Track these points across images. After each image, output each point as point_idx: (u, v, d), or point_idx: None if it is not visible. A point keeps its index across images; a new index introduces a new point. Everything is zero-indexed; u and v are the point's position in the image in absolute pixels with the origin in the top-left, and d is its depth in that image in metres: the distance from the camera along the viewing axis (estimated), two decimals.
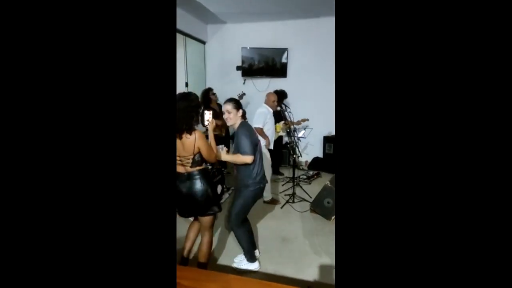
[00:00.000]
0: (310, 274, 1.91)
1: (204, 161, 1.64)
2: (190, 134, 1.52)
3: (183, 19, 4.04)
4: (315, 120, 4.27)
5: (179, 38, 4.22)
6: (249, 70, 4.82)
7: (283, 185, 3.73)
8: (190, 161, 1.57)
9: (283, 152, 4.47)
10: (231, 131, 4.29)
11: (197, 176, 1.60)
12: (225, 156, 1.77)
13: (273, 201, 3.14)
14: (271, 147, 3.11)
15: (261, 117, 3.00)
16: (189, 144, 1.52)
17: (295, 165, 3.42)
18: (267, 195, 3.13)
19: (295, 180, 3.36)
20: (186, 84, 4.60)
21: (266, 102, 3.11)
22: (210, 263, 1.85)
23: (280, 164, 4.39)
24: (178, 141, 1.52)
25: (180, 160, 1.59)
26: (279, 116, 3.66)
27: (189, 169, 1.60)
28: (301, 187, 3.51)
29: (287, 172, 4.12)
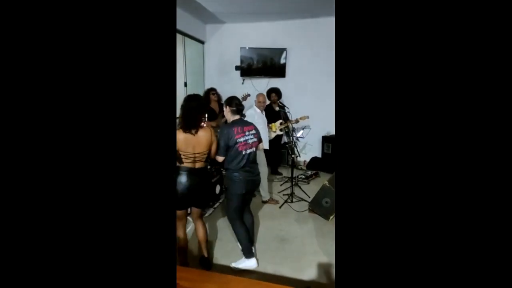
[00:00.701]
0: (309, 274, 1.92)
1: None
2: (203, 130, 1.70)
3: (182, 19, 4.04)
4: (314, 120, 4.27)
5: (178, 37, 4.22)
6: (248, 70, 4.82)
7: (281, 185, 3.73)
8: (205, 156, 1.74)
9: (282, 152, 4.48)
10: None
11: (206, 172, 1.78)
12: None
13: (272, 201, 3.14)
14: (266, 146, 3.12)
15: (249, 119, 3.03)
16: (206, 140, 1.72)
17: (294, 165, 3.42)
18: (265, 195, 3.14)
19: (294, 180, 3.37)
20: (185, 84, 4.59)
21: (256, 104, 3.17)
22: (214, 265, 1.88)
23: (279, 164, 4.40)
24: (192, 138, 1.67)
25: (194, 157, 1.71)
26: (277, 115, 3.67)
27: (199, 164, 1.74)
28: (299, 187, 3.52)
29: (285, 172, 4.13)
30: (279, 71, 4.75)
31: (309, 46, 4.59)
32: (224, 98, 4.19)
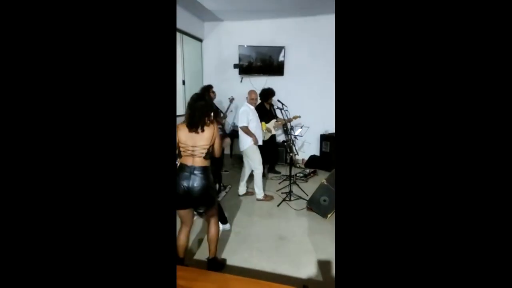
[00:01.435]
0: (307, 272, 1.93)
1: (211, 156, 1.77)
2: (208, 127, 1.70)
3: (180, 17, 4.01)
4: (312, 118, 4.28)
5: (176, 35, 4.20)
6: (246, 68, 4.81)
7: (279, 183, 3.74)
8: (205, 151, 1.70)
9: (280, 150, 4.49)
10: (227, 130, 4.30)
11: (204, 172, 1.70)
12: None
13: (266, 198, 3.18)
14: (260, 143, 3.15)
15: (243, 116, 3.07)
16: (209, 134, 1.70)
17: (292, 163, 3.43)
18: (259, 192, 3.17)
19: (292, 178, 3.37)
20: (183, 82, 4.58)
21: (248, 101, 3.18)
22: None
23: (277, 162, 4.41)
24: (195, 135, 1.68)
25: (193, 151, 1.68)
26: (270, 114, 3.68)
27: (198, 161, 1.69)
28: (297, 185, 3.53)
29: (283, 170, 4.14)
30: (277, 69, 4.74)
31: (308, 44, 4.58)
32: (220, 96, 4.21)
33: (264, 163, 3.24)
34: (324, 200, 2.72)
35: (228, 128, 4.71)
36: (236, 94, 4.32)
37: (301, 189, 3.38)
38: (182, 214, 1.78)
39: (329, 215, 2.70)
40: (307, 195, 3.12)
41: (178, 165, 1.76)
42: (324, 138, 4.51)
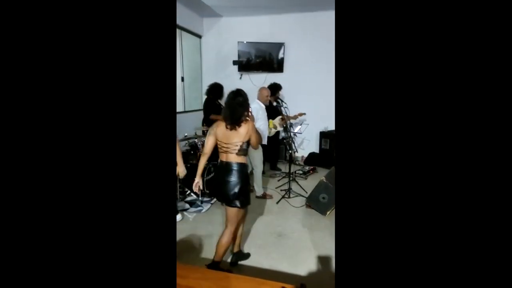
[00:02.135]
0: (306, 269, 1.92)
1: (246, 153, 1.78)
2: (245, 123, 1.70)
3: (179, 12, 3.98)
4: (312, 115, 4.26)
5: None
6: (245, 64, 4.79)
7: (279, 180, 3.74)
8: (238, 147, 1.69)
9: (280, 148, 4.48)
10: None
11: (237, 168, 1.71)
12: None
13: (265, 196, 3.16)
14: (265, 142, 3.11)
15: (254, 112, 2.99)
16: (244, 131, 1.70)
17: (291, 161, 3.42)
18: (259, 190, 3.14)
19: (291, 176, 3.36)
20: (182, 79, 4.56)
21: (259, 98, 3.10)
22: (211, 260, 1.82)
23: (277, 160, 4.40)
24: (228, 130, 1.69)
25: (227, 147, 1.71)
26: (275, 111, 3.64)
27: (232, 157, 1.71)
28: (297, 182, 3.52)
29: (283, 167, 4.13)
30: (277, 66, 4.72)
31: (307, 40, 4.56)
32: (222, 94, 4.18)
33: (265, 160, 3.22)
34: (323, 198, 2.71)
35: None
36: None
37: (300, 187, 3.38)
38: (225, 210, 1.81)
39: (328, 212, 2.69)
40: (306, 193, 3.11)
41: (205, 157, 1.82)
42: (323, 135, 4.49)
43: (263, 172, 3.30)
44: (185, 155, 3.23)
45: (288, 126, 3.38)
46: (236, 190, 1.70)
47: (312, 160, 4.49)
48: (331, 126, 4.51)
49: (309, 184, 3.41)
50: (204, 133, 3.63)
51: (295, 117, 3.85)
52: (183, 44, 4.50)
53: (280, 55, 4.67)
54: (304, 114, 3.98)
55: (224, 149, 1.72)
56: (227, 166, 1.72)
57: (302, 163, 4.56)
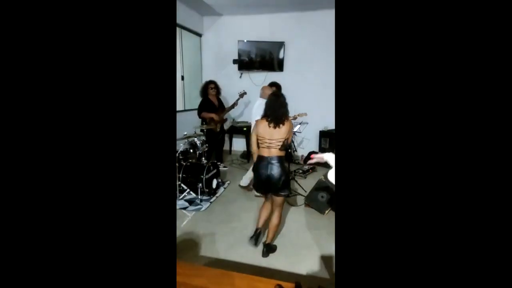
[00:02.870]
0: (304, 267, 1.93)
1: (287, 148, 2.02)
2: (287, 121, 1.92)
3: (179, 11, 3.98)
4: (311, 114, 4.24)
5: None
6: (245, 63, 4.79)
7: None
8: (281, 143, 1.90)
9: None
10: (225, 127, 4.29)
11: (280, 161, 1.93)
12: None
13: (248, 188, 3.21)
14: None
15: (259, 109, 2.96)
16: (285, 129, 1.90)
17: (291, 160, 3.43)
18: (245, 181, 3.19)
19: (291, 174, 3.37)
20: (182, 78, 4.56)
21: (262, 96, 3.10)
22: (210, 258, 1.87)
23: None
24: (271, 128, 1.88)
25: (270, 143, 1.90)
26: None
27: (274, 152, 1.91)
28: (296, 181, 3.53)
29: None
30: (277, 65, 4.71)
31: (308, 39, 4.55)
32: (222, 92, 4.19)
33: None
34: (322, 197, 2.71)
35: (228, 124, 4.70)
36: (235, 90, 4.30)
37: (300, 185, 3.38)
38: (272, 199, 2.06)
39: (326, 211, 2.69)
40: (306, 191, 3.12)
41: (256, 155, 2.02)
42: (323, 134, 4.49)
43: None
44: (184, 153, 3.24)
45: None
46: (281, 181, 1.92)
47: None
48: (330, 125, 4.51)
49: (308, 183, 3.41)
50: (203, 132, 3.65)
51: (294, 118, 3.85)
52: (183, 42, 4.50)
53: (280, 54, 4.67)
54: (305, 114, 3.98)
55: (267, 144, 1.91)
56: (270, 160, 1.92)
57: (301, 162, 4.57)
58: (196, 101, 3.99)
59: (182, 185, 3.05)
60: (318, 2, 4.03)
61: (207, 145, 3.32)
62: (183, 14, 4.20)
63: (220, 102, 4.01)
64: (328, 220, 2.61)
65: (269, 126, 1.88)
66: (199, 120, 4.01)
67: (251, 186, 3.21)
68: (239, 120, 4.94)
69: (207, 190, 3.00)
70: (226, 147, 4.63)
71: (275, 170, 1.91)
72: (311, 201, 2.82)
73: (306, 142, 4.74)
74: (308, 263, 1.98)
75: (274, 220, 2.05)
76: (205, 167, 2.98)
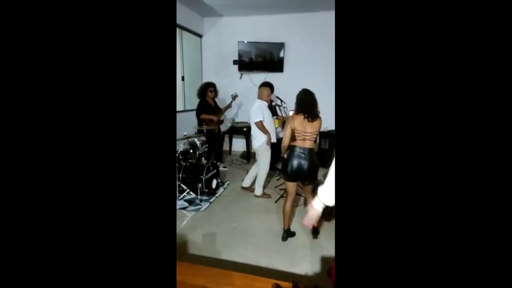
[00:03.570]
0: (302, 268, 1.94)
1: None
2: (319, 117, 2.22)
3: (179, 12, 4.00)
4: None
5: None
6: (246, 64, 4.80)
7: (277, 179, 3.75)
8: (315, 137, 2.20)
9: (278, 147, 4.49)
10: (223, 129, 4.30)
11: (312, 152, 2.19)
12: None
13: (263, 195, 3.18)
14: (274, 140, 3.08)
15: (258, 110, 2.96)
16: (318, 124, 2.21)
17: None
18: (259, 190, 3.16)
19: None
20: (182, 78, 4.58)
21: (260, 97, 3.10)
22: (209, 258, 1.87)
23: (277, 160, 4.41)
24: (307, 122, 2.16)
25: (305, 136, 2.16)
26: (273, 111, 3.66)
27: (308, 144, 2.17)
28: None
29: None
30: (277, 65, 4.72)
31: (307, 40, 4.56)
32: (223, 93, 4.21)
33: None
34: None
35: (227, 125, 4.71)
36: (235, 91, 4.32)
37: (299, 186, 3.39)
38: (290, 186, 2.28)
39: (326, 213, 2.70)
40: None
41: (289, 146, 2.23)
42: (323, 135, 4.50)
43: None
44: (184, 154, 3.25)
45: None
46: (311, 171, 2.17)
47: None
48: (330, 126, 4.51)
49: None
50: (203, 132, 3.66)
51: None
52: (184, 43, 4.51)
53: (281, 55, 4.68)
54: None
55: (303, 136, 2.16)
56: (304, 151, 2.15)
57: None
58: (197, 101, 4.01)
59: (182, 185, 3.07)
60: (318, 4, 4.04)
61: (207, 145, 3.34)
62: (183, 15, 4.21)
63: (216, 104, 4.04)
64: (326, 220, 2.62)
65: (307, 120, 2.14)
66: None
67: (253, 187, 3.23)
68: (239, 120, 4.96)
69: (206, 190, 3.01)
70: (226, 147, 4.65)
71: (307, 160, 2.14)
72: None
73: None
74: (307, 263, 2.00)
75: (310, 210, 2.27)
76: (205, 167, 2.99)
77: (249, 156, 4.49)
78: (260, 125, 2.93)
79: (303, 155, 2.14)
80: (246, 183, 3.27)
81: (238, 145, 4.94)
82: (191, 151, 3.28)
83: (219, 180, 3.35)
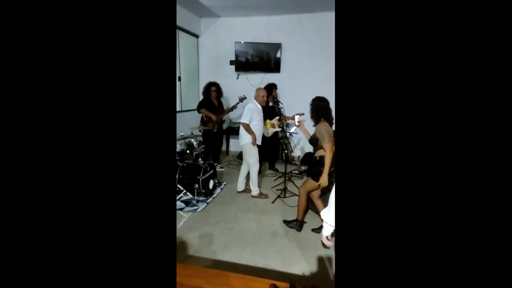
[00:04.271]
0: (299, 268, 1.94)
1: None
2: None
3: (177, 12, 3.99)
4: (308, 115, 4.27)
5: None
6: (242, 65, 4.80)
7: (275, 180, 3.76)
8: None
9: (278, 148, 4.50)
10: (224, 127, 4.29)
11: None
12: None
13: (260, 195, 3.18)
14: (259, 142, 3.12)
15: (248, 112, 3.01)
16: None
17: (287, 160, 3.44)
18: (254, 189, 3.16)
19: (287, 175, 3.39)
20: (179, 79, 4.56)
21: (256, 98, 3.12)
22: (206, 259, 1.87)
23: (276, 160, 4.42)
24: (331, 127, 2.25)
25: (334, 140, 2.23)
26: (272, 111, 3.66)
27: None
28: (293, 182, 3.54)
29: (280, 168, 4.15)
30: (274, 66, 4.73)
31: (305, 41, 4.58)
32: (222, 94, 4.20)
33: (264, 160, 3.23)
34: None
35: (226, 124, 4.70)
36: (232, 91, 4.32)
37: (296, 186, 3.40)
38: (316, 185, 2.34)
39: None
40: None
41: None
42: None
43: (259, 172, 3.32)
44: (181, 154, 3.24)
45: (284, 127, 3.40)
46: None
47: (308, 160, 4.50)
48: None
49: None
50: (201, 132, 3.66)
51: (293, 118, 3.87)
52: (181, 43, 4.51)
53: (278, 55, 4.69)
54: (303, 114, 4.00)
55: (333, 142, 2.22)
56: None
57: (298, 163, 4.58)
58: (193, 101, 4.01)
59: (179, 186, 3.06)
60: (315, 5, 4.05)
61: (204, 146, 3.33)
62: (180, 15, 4.21)
63: (220, 104, 4.04)
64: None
65: (330, 124, 2.24)
66: (196, 121, 4.02)
67: (248, 187, 3.23)
68: (236, 121, 4.95)
69: (203, 191, 3.01)
70: (223, 147, 4.64)
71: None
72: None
73: (303, 143, 4.76)
74: (304, 263, 2.00)
75: (320, 206, 2.46)
76: (202, 168, 2.99)
77: None
78: (246, 126, 3.00)
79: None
80: (240, 187, 3.28)
81: (235, 145, 4.94)
82: (188, 151, 3.27)
83: (216, 181, 3.35)
